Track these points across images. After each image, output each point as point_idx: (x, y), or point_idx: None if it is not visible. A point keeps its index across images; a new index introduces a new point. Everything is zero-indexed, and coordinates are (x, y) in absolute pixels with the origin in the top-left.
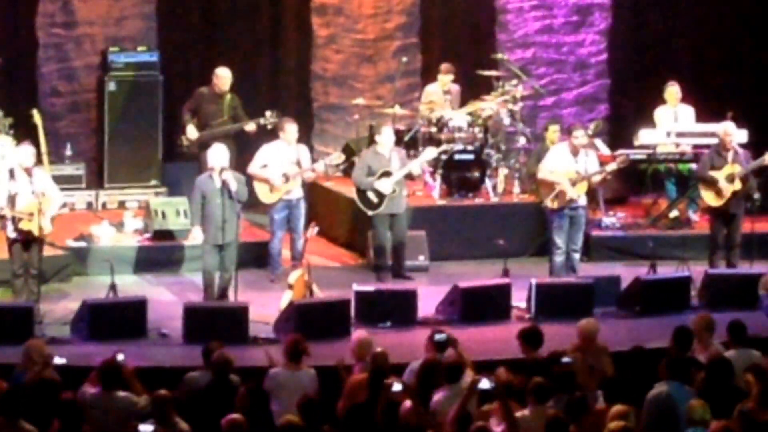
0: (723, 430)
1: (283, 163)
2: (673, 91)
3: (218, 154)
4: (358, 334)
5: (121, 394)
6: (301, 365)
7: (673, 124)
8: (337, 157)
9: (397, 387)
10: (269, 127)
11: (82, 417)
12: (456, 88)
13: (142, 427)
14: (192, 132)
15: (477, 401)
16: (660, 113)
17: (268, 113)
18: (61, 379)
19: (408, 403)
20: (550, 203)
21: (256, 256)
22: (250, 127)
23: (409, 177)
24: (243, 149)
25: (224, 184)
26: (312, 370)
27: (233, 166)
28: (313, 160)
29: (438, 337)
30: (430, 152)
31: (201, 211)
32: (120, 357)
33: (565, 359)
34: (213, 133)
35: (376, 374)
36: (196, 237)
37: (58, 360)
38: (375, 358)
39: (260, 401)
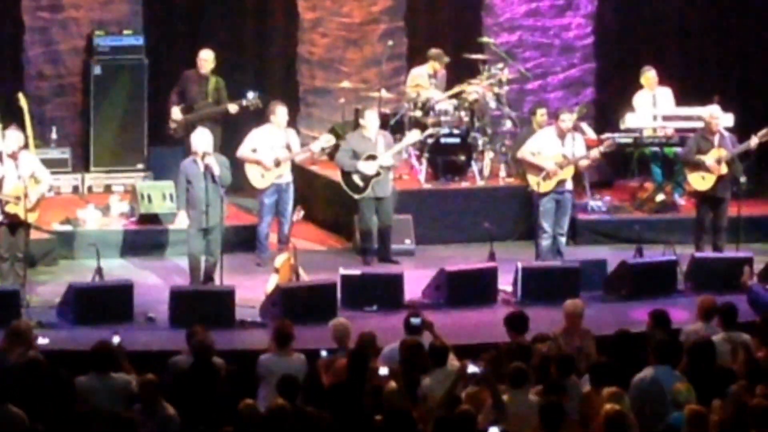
0: (697, 414)
1: (273, 147)
2: (650, 75)
3: (201, 139)
4: (335, 319)
5: (116, 375)
6: (291, 350)
7: (652, 108)
8: (328, 140)
9: (383, 371)
10: (251, 108)
11: (74, 395)
12: (442, 71)
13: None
14: (176, 113)
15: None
16: (639, 98)
17: (250, 94)
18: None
19: (393, 385)
20: (536, 187)
21: (243, 240)
22: (233, 108)
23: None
24: (229, 132)
25: (207, 168)
26: (302, 355)
27: (220, 150)
28: (302, 144)
29: (413, 321)
30: (414, 135)
31: (186, 195)
32: (116, 339)
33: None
34: (198, 116)
35: (357, 354)
36: (182, 221)
37: (42, 340)
38: (361, 339)
39: (245, 384)
